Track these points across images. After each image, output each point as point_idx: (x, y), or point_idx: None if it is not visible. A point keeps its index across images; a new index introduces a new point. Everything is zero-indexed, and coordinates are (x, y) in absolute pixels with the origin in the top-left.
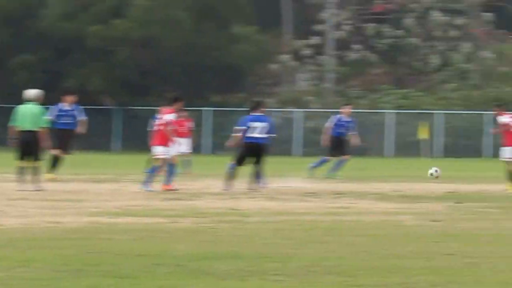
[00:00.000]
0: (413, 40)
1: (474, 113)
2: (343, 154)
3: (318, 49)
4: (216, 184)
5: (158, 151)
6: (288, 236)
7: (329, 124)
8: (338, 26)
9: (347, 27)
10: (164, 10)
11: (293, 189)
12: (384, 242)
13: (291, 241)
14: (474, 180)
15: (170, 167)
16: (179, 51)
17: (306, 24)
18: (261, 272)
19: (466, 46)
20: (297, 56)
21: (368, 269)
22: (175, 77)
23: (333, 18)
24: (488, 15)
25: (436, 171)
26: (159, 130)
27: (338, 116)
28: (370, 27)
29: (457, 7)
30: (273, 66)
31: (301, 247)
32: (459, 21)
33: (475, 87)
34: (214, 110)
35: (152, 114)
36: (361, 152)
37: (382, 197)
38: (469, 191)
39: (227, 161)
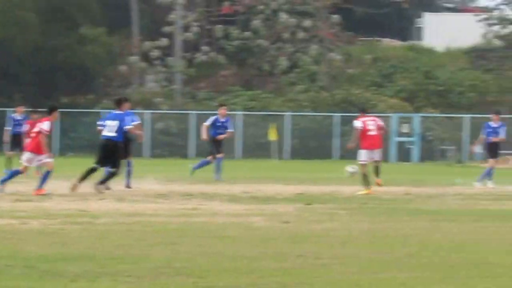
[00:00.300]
0: (261, 42)
1: (323, 115)
2: (219, 152)
3: (167, 51)
4: (65, 186)
5: (27, 157)
6: (138, 237)
7: (207, 124)
8: (186, 28)
9: (195, 29)
10: (12, 11)
11: (143, 191)
12: (235, 244)
13: (142, 243)
14: (323, 181)
15: (46, 172)
16: (28, 53)
17: (154, 26)
18: (112, 273)
19: (314, 48)
20: (146, 57)
21: (219, 270)
22: (24, 79)
23: (181, 20)
24: (336, 17)
25: (353, 168)
26: (33, 137)
27: (215, 117)
28: (218, 29)
29: (305, 9)
30: (122, 68)
31: (152, 249)
32: (307, 23)
33: (323, 89)
34: (61, 111)
35: (2, 115)
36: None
37: (232, 198)
38: (319, 193)
39: (76, 162)
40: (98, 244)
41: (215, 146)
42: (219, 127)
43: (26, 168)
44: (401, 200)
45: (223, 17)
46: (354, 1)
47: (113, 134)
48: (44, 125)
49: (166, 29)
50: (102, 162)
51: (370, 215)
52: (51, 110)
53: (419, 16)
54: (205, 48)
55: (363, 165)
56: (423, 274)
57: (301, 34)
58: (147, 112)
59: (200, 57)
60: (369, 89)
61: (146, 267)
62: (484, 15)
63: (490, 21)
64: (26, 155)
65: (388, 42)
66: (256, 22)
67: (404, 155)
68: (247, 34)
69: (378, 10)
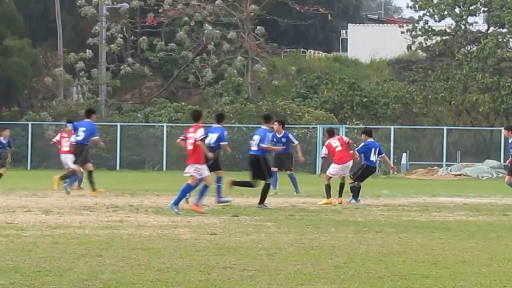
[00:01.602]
0: (186, 54)
1: (250, 126)
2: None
3: (92, 62)
4: None
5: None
6: (64, 249)
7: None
8: (110, 40)
9: (120, 40)
10: None
11: (69, 203)
12: (162, 256)
13: (67, 255)
14: (250, 193)
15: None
16: None
17: (79, 37)
18: (38, 286)
19: (239, 60)
20: (71, 69)
21: (144, 283)
22: None
23: (106, 31)
24: (260, 29)
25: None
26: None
27: (272, 133)
28: (143, 40)
29: (229, 21)
30: (47, 79)
31: (78, 261)
32: (232, 34)
33: (248, 101)
34: None
35: None
36: (138, 165)
37: (158, 210)
38: (245, 205)
39: None
40: (24, 256)
41: (281, 162)
42: (276, 143)
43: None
44: (328, 211)
45: (147, 29)
46: (278, 13)
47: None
48: None
49: (91, 40)
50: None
51: (297, 227)
52: None
53: (344, 28)
54: (129, 59)
55: (328, 178)
56: (350, 285)
57: (225, 46)
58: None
59: (125, 68)
60: (294, 100)
61: (71, 280)
62: (408, 27)
63: (415, 33)
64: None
65: (313, 53)
66: (181, 34)
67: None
68: (171, 45)
69: (302, 22)
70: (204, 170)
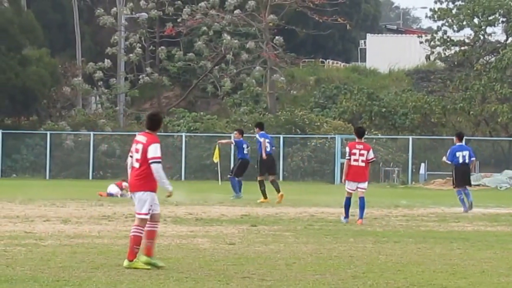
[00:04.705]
0: (205, 63)
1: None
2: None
3: (110, 72)
4: (8, 207)
5: None
6: (83, 259)
7: None
8: (129, 49)
9: (138, 50)
10: None
11: (87, 212)
12: (180, 265)
13: (86, 265)
14: (268, 203)
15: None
16: None
17: (98, 47)
18: None
19: (257, 70)
20: (89, 79)
21: None
22: None
23: (124, 41)
24: (279, 39)
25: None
26: None
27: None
28: (161, 50)
29: (248, 31)
30: (66, 89)
31: (96, 271)
32: (250, 44)
33: (267, 110)
34: (4, 133)
35: None
36: None
37: (177, 220)
38: (264, 214)
39: (19, 184)
40: (43, 266)
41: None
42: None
43: None
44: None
45: (166, 39)
46: (297, 23)
47: None
48: None
49: (109, 50)
50: None
51: (316, 237)
52: None
53: (362, 38)
54: (148, 69)
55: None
56: None
57: (244, 56)
58: (90, 134)
59: (143, 78)
60: (313, 110)
61: None
62: (427, 37)
63: (433, 43)
64: None
65: (331, 63)
66: (199, 44)
67: None
68: (190, 55)
69: (321, 32)
70: None
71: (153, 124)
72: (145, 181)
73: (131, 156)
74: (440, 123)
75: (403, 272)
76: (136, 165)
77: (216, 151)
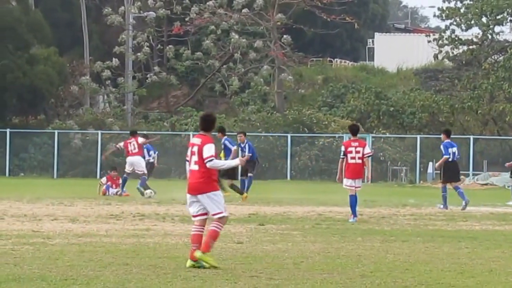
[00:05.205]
0: (212, 62)
1: (276, 135)
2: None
3: (118, 71)
4: (16, 206)
5: None
6: (91, 258)
7: None
8: (137, 48)
9: (146, 49)
10: None
11: (95, 211)
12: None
13: (94, 263)
14: (276, 202)
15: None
16: None
17: (105, 46)
18: None
19: (265, 69)
20: (97, 78)
21: None
22: None
23: (132, 40)
24: (287, 38)
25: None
26: None
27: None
28: (169, 49)
29: (256, 30)
30: (74, 88)
31: (104, 269)
32: (258, 43)
33: (275, 109)
34: (12, 131)
35: None
36: (164, 174)
37: (184, 219)
38: (271, 213)
39: (27, 183)
40: (51, 265)
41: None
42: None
43: None
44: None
45: (174, 37)
46: (304, 22)
47: None
48: None
49: (117, 49)
50: None
51: (323, 236)
52: None
53: (370, 37)
54: (156, 68)
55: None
56: None
57: (252, 55)
58: (98, 133)
59: (151, 77)
60: (321, 109)
61: None
62: (435, 36)
63: (441, 42)
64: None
65: (339, 62)
66: (207, 43)
67: None
68: (198, 54)
69: (329, 31)
70: None
71: (207, 124)
72: (209, 182)
73: (188, 161)
74: (448, 122)
75: (411, 271)
76: (195, 167)
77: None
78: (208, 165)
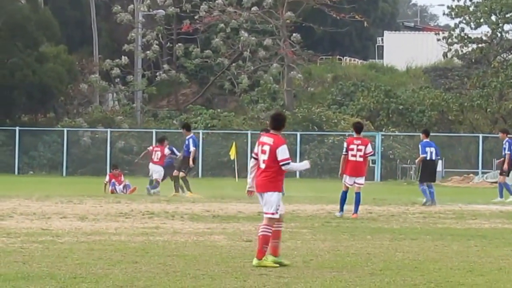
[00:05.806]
0: (222, 60)
1: (286, 134)
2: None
3: (127, 69)
4: (26, 204)
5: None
6: (100, 256)
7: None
8: (146, 46)
9: (156, 47)
10: None
11: (104, 209)
12: (197, 262)
13: (103, 262)
14: (285, 200)
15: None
16: None
17: (115, 44)
18: None
19: (274, 67)
20: (106, 76)
21: None
22: None
23: (141, 38)
24: (296, 36)
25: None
26: None
27: None
28: (179, 47)
29: (265, 28)
30: (83, 86)
31: (113, 268)
32: (268, 41)
33: (284, 107)
34: (21, 129)
35: None
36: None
37: (194, 217)
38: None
39: (36, 181)
40: (60, 263)
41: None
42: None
43: None
44: (363, 218)
45: (183, 36)
46: (314, 20)
47: None
48: None
49: (126, 47)
50: None
51: (333, 234)
52: None
53: (380, 35)
54: (165, 66)
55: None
56: None
57: (261, 53)
58: (107, 131)
59: (160, 75)
60: (330, 107)
61: (107, 286)
62: (444, 34)
63: (451, 40)
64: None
65: (349, 60)
66: (217, 41)
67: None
68: (207, 52)
69: (338, 29)
70: None
71: (278, 123)
72: (273, 182)
73: (255, 158)
74: (458, 121)
75: (420, 269)
76: (263, 166)
77: (233, 148)
78: (284, 168)
